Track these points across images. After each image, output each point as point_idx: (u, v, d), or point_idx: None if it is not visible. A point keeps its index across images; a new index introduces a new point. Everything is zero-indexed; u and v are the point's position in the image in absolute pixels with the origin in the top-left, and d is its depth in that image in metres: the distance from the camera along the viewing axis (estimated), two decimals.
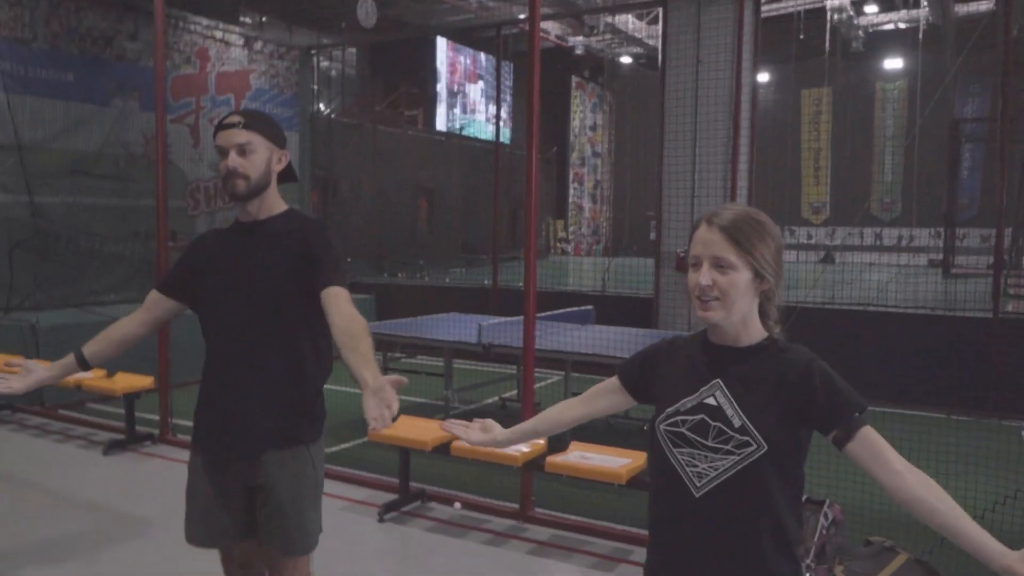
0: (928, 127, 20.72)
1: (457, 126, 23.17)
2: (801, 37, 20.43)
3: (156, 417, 6.46)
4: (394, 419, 1.96)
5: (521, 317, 5.10)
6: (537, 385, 7.22)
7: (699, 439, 1.71)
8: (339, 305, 2.29)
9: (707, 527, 1.72)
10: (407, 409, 7.16)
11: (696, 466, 1.71)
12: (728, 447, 1.68)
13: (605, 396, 1.98)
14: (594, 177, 28.73)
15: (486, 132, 22.78)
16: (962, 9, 19.00)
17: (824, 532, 3.85)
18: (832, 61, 22.23)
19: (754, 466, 1.67)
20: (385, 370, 7.23)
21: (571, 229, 27.60)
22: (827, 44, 21.19)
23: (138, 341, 2.64)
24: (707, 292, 1.70)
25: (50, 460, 5.99)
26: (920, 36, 21.16)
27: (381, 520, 4.75)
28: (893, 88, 23.63)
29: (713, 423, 1.70)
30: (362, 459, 5.80)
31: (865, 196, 24.37)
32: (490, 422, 2.08)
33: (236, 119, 2.43)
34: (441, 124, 22.57)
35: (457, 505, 4.95)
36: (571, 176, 27.59)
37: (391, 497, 4.96)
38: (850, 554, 3.84)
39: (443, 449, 4.71)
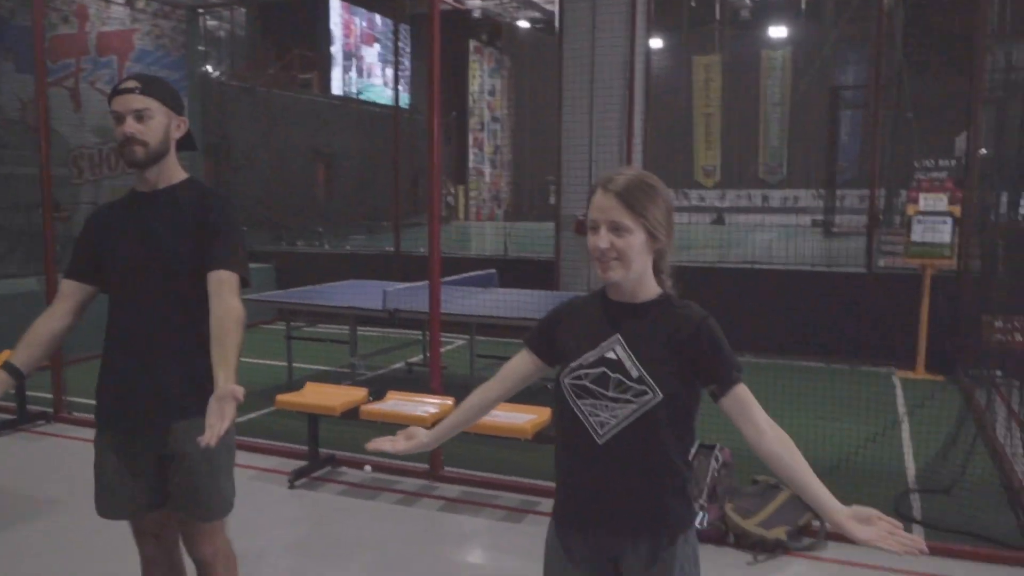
0: (810, 94, 21.68)
1: (354, 90, 22.76)
2: (693, 5, 20.97)
3: (49, 396, 6.24)
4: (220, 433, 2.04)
5: (425, 282, 5.18)
6: (443, 349, 7.32)
7: (600, 390, 1.85)
8: (221, 293, 2.31)
9: (610, 471, 1.87)
10: (314, 376, 7.14)
11: (598, 415, 1.85)
12: (627, 396, 1.82)
13: (517, 369, 2.08)
14: (494, 142, 28.77)
15: (383, 97, 22.48)
16: None
17: (715, 474, 4.12)
18: (721, 29, 22.90)
19: (651, 413, 1.82)
20: (288, 339, 7.18)
21: (472, 194, 27.63)
22: (717, 12, 21.80)
23: (67, 334, 2.53)
24: (606, 254, 1.82)
25: None
26: (803, 5, 22.01)
27: (291, 486, 4.78)
28: (777, 56, 24.48)
29: (613, 375, 1.84)
30: (271, 428, 5.79)
31: (753, 160, 25.33)
32: (413, 429, 2.15)
33: (132, 84, 2.39)
34: (337, 88, 22.12)
35: (367, 468, 5.02)
36: (471, 141, 27.55)
37: (301, 464, 4.98)
38: (739, 493, 4.13)
39: (351, 414, 4.77)
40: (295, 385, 6.00)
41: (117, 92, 2.39)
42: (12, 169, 8.65)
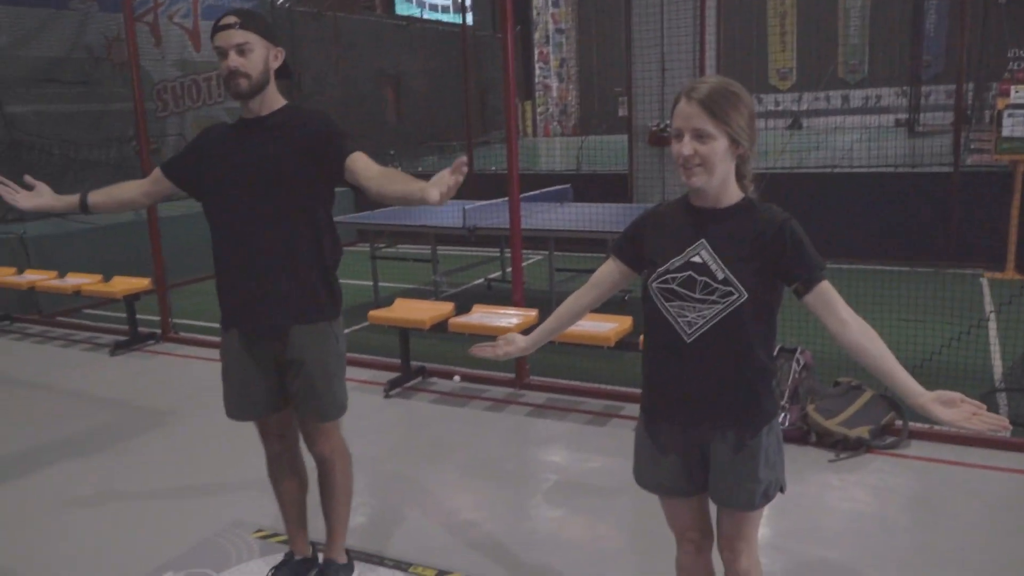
0: None
1: (416, 10, 22.53)
2: None
3: (156, 318, 6.67)
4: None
5: (503, 199, 5.29)
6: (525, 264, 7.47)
7: (688, 292, 1.95)
8: (367, 165, 2.49)
9: (699, 367, 1.99)
10: (402, 293, 7.39)
11: (686, 316, 1.96)
12: (714, 297, 1.92)
13: (607, 277, 2.19)
14: (559, 55, 28.23)
15: (447, 15, 22.20)
16: None
17: (796, 376, 4.21)
18: None
19: (737, 312, 1.92)
20: (372, 260, 7.44)
21: (539, 110, 27.33)
22: None
23: (135, 207, 2.96)
24: (690, 161, 1.89)
25: (58, 364, 6.21)
26: None
27: (387, 396, 5.07)
28: None
29: (700, 278, 1.93)
30: (364, 343, 6.09)
31: (831, 59, 24.28)
32: (511, 335, 2.31)
33: (232, 19, 2.52)
34: (401, 8, 21.94)
35: (456, 378, 5.27)
36: (536, 56, 27.09)
37: (394, 375, 5.26)
38: (821, 394, 4.22)
39: (440, 327, 4.99)
40: (382, 303, 6.25)
41: (218, 28, 2.53)
42: (105, 106, 8.99)
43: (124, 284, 6.44)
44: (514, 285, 5.21)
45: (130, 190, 2.86)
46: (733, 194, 1.97)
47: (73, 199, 2.80)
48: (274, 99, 2.64)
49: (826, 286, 1.93)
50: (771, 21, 24.80)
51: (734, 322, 1.92)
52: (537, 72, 27.29)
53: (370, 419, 4.78)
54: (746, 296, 1.91)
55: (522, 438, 4.48)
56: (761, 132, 11.39)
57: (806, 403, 4.15)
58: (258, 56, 2.53)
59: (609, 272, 2.18)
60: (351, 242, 10.04)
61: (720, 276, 1.91)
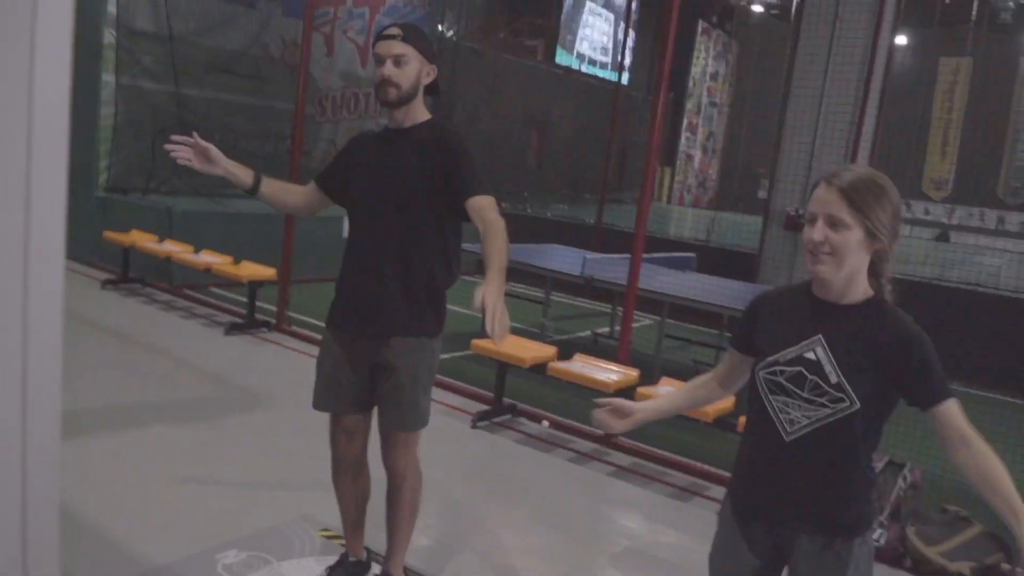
0: None
1: (575, 63, 22.97)
2: (946, 2, 19.34)
3: (273, 308, 6.94)
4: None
5: (625, 255, 5.26)
6: (636, 325, 7.39)
7: (795, 389, 1.82)
8: (483, 213, 2.53)
9: (793, 468, 1.86)
10: (509, 330, 7.39)
11: (789, 413, 1.84)
12: (822, 400, 1.79)
13: (732, 370, 2.06)
14: (708, 128, 28.11)
15: (604, 71, 22.53)
16: None
17: (901, 493, 3.95)
18: (976, 30, 21.00)
19: (845, 420, 1.78)
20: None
21: (677, 178, 27.22)
22: (973, 12, 20.01)
23: (295, 212, 3.08)
24: (819, 247, 1.77)
25: (177, 333, 6.54)
26: None
27: (474, 426, 5.06)
28: None
29: (810, 376, 1.80)
30: (463, 371, 6.13)
31: (993, 177, 23.18)
32: (629, 405, 2.11)
33: (396, 31, 2.63)
34: (561, 57, 22.43)
35: (545, 423, 5.22)
36: (684, 124, 27.07)
37: (485, 408, 5.26)
38: (924, 518, 3.94)
39: (540, 368, 4.97)
40: (486, 335, 6.28)
41: (381, 37, 2.64)
42: (270, 102, 9.55)
43: (251, 270, 6.74)
44: (621, 341, 5.14)
45: (296, 194, 2.95)
46: (861, 291, 1.83)
47: (247, 172, 2.83)
48: (419, 112, 2.71)
49: (948, 409, 1.79)
50: (934, 127, 23.96)
51: (840, 430, 1.80)
52: (683, 141, 27.26)
53: (453, 445, 4.78)
54: (858, 406, 1.77)
55: (600, 497, 4.38)
56: (906, 238, 10.94)
57: (907, 524, 3.88)
58: (412, 69, 2.62)
59: (732, 364, 2.06)
60: (470, 271, 10.19)
61: (833, 380, 1.78)
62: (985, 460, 1.76)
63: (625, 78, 16.38)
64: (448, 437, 4.88)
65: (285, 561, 3.20)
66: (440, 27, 14.28)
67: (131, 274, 7.73)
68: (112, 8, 8.19)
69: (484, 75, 15.72)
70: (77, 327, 6.33)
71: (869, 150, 8.17)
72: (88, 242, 8.38)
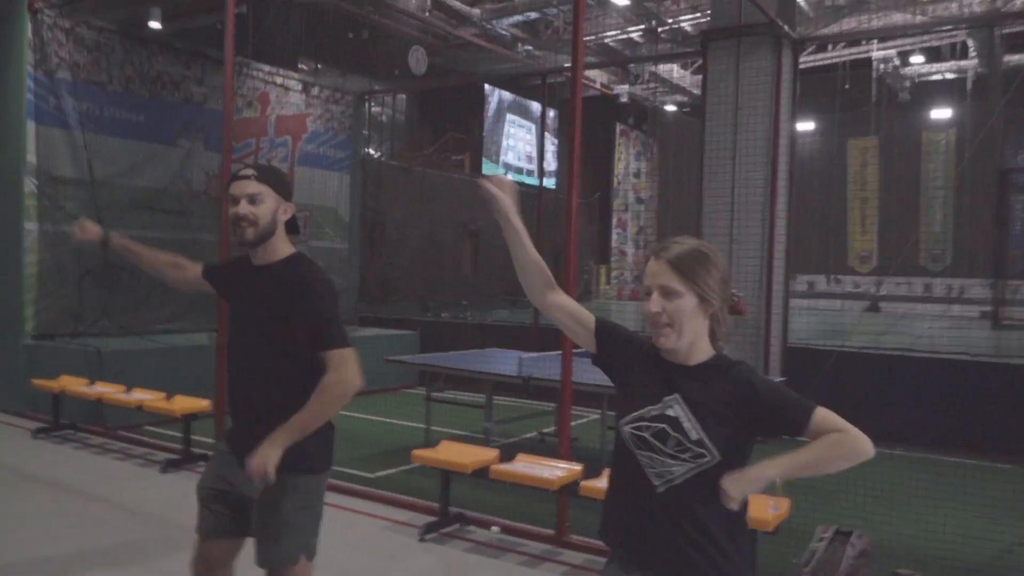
0: (978, 177, 20.65)
1: (502, 171, 23.64)
2: (847, 87, 20.60)
3: (211, 440, 6.77)
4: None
5: (559, 352, 5.32)
6: (576, 423, 7.38)
7: (659, 445, 1.91)
8: (338, 367, 2.58)
9: (667, 518, 1.92)
10: (453, 437, 7.37)
11: (655, 468, 1.92)
12: (684, 457, 1.89)
13: (578, 316, 2.12)
14: (638, 223, 28.93)
15: (531, 178, 23.20)
16: (1011, 59, 19.01)
17: (851, 562, 3.96)
18: (878, 111, 22.33)
19: (707, 472, 1.88)
20: (428, 400, 7.47)
21: (613, 274, 27.77)
22: (873, 94, 21.32)
23: (160, 277, 3.09)
24: (658, 319, 1.90)
25: (112, 476, 6.31)
26: (969, 86, 21.17)
27: (422, 540, 4.95)
28: (940, 139, 23.55)
29: (673, 433, 1.90)
30: (406, 484, 6.03)
31: (913, 246, 24.18)
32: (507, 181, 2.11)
33: (250, 171, 2.69)
34: (488, 168, 23.07)
35: (495, 529, 5.13)
36: (614, 221, 27.83)
37: (432, 519, 5.16)
38: None
39: (482, 472, 4.92)
40: (432, 445, 6.22)
41: (235, 177, 2.70)
42: (195, 235, 9.56)
43: (184, 403, 6.60)
44: (561, 437, 5.14)
45: (163, 261, 3.05)
46: (703, 352, 1.96)
47: (106, 235, 3.05)
48: (280, 249, 2.73)
49: (819, 417, 1.88)
50: (851, 204, 25.05)
51: (704, 480, 1.89)
52: (614, 237, 27.96)
53: (401, 562, 4.66)
54: (719, 459, 1.88)
55: None
56: (838, 313, 11.27)
57: None
58: (268, 208, 2.65)
59: (583, 320, 2.11)
60: (410, 384, 10.14)
61: (694, 436, 1.88)
62: (842, 436, 1.87)
63: (552, 182, 16.95)
64: (395, 553, 4.76)
65: None
66: (367, 148, 14.65)
67: (63, 420, 7.49)
68: (32, 158, 8.22)
69: (412, 191, 16.05)
70: (9, 480, 6.09)
71: (785, 229, 8.52)
72: (17, 391, 8.14)
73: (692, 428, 1.88)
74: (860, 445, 1.87)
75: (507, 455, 5.27)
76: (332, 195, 11.89)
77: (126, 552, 4.68)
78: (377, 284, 14.30)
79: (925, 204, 24.26)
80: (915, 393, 7.77)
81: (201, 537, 2.79)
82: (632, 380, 2.02)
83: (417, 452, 5.23)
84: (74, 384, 7.34)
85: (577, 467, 4.85)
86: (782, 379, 7.78)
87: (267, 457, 2.46)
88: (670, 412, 1.91)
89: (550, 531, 4.99)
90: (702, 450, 1.87)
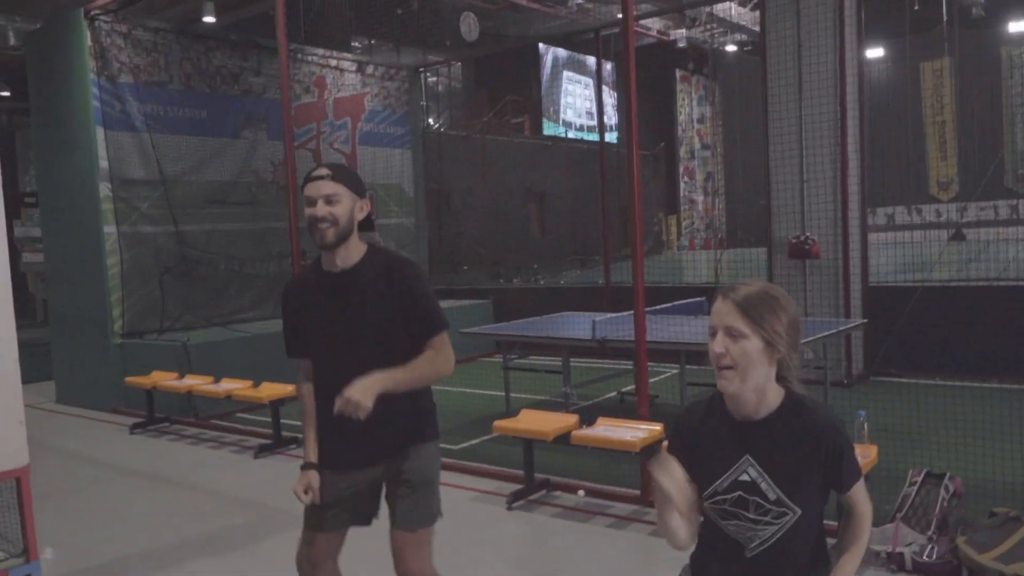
0: None
1: (562, 131, 23.42)
2: (916, 8, 19.62)
3: (299, 423, 6.97)
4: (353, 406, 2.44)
5: (630, 312, 5.28)
6: (655, 379, 7.34)
7: (742, 512, 1.89)
8: (428, 349, 2.66)
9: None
10: (530, 405, 7.36)
11: (744, 534, 1.91)
12: (768, 518, 1.87)
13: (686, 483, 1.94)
14: (704, 170, 28.36)
15: (592, 134, 22.94)
16: None
17: (945, 504, 3.86)
18: (951, 30, 21.22)
19: (793, 527, 1.87)
20: (505, 370, 7.53)
21: (684, 224, 27.34)
22: (944, 13, 20.27)
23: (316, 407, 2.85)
24: (721, 359, 1.84)
25: (208, 464, 6.58)
26: None
27: (509, 508, 5.02)
28: (1020, 52, 22.28)
29: (751, 497, 1.87)
30: (489, 454, 6.11)
31: (997, 167, 23.06)
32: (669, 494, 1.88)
33: (324, 171, 2.65)
34: (548, 128, 22.89)
35: (581, 493, 5.16)
36: (681, 171, 27.33)
37: (517, 487, 5.22)
38: (973, 525, 3.83)
39: (563, 439, 4.95)
40: (512, 414, 6.28)
41: (310, 179, 2.66)
42: (267, 224, 9.79)
43: (271, 390, 6.81)
44: (639, 398, 5.12)
45: (311, 404, 2.82)
46: (773, 401, 1.89)
47: (311, 473, 2.74)
48: (356, 248, 2.71)
49: (858, 490, 1.93)
50: (928, 131, 24.01)
51: (793, 535, 1.88)
52: (682, 187, 27.46)
53: (490, 530, 4.74)
54: (800, 512, 1.86)
55: (644, 559, 4.29)
56: (920, 244, 10.75)
57: (956, 535, 3.77)
58: (345, 207, 2.63)
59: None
60: (488, 353, 10.23)
61: (772, 496, 1.86)
62: (858, 529, 1.96)
63: (614, 137, 16.73)
64: (484, 522, 4.84)
65: None
66: (429, 120, 14.71)
67: (157, 414, 7.83)
68: (104, 163, 8.50)
69: (474, 159, 16.05)
70: (111, 476, 6.40)
71: (859, 165, 8.22)
72: (112, 390, 8.52)
73: (769, 488, 1.86)
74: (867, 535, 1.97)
75: (587, 418, 5.28)
76: (395, 172, 11.98)
77: (229, 538, 4.88)
78: (447, 255, 14.43)
79: (1007, 123, 23.08)
80: (1006, 323, 7.47)
81: (308, 531, 2.84)
82: (703, 453, 1.95)
83: (498, 423, 5.28)
84: (165, 379, 7.65)
85: (657, 427, 4.83)
86: (864, 321, 7.58)
87: (367, 390, 2.44)
88: (744, 477, 1.88)
89: (636, 491, 5.00)
90: (783, 508, 1.86)
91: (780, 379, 1.90)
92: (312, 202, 2.61)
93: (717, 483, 1.90)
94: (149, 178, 8.94)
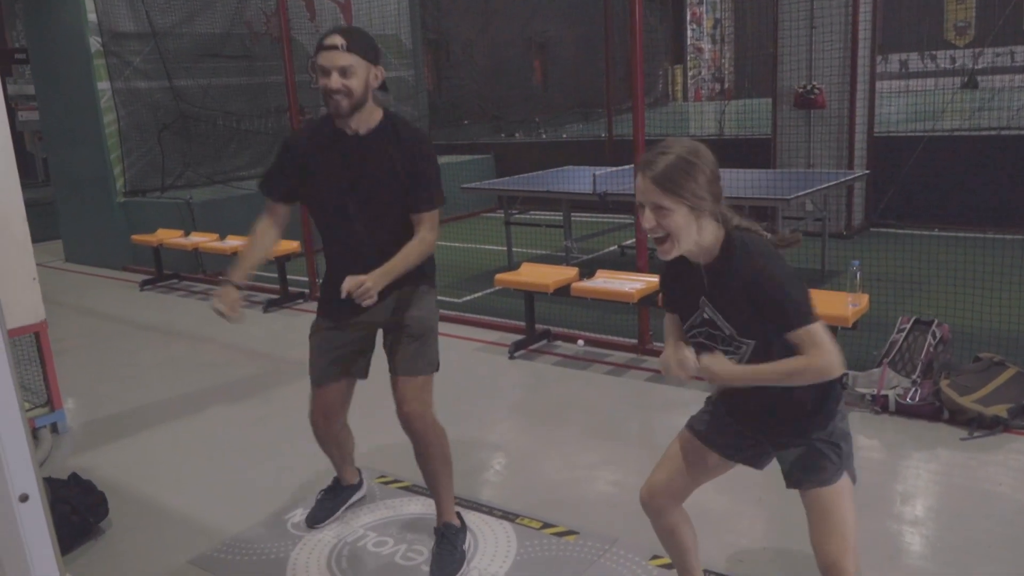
0: None
1: None
2: None
3: (305, 279, 7.12)
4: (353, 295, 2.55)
5: (631, 165, 5.28)
6: None
7: (713, 344, 2.02)
8: (420, 229, 2.73)
9: (750, 400, 2.08)
10: (532, 260, 7.47)
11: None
12: (731, 348, 1.99)
13: (679, 328, 2.17)
14: (713, 16, 27.32)
15: None
16: None
17: (931, 349, 4.00)
18: None
19: (757, 351, 1.96)
20: (507, 225, 7.59)
21: (691, 73, 26.62)
22: None
23: (278, 242, 2.98)
24: (655, 232, 1.92)
25: (218, 319, 6.70)
26: None
27: (511, 357, 5.21)
28: None
29: (715, 332, 2.00)
30: (493, 306, 6.27)
31: (1015, 8, 22.17)
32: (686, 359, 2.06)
33: (339, 40, 2.58)
34: None
35: (580, 342, 5.34)
36: (688, 16, 26.33)
37: (519, 337, 5.39)
38: (958, 370, 3.99)
39: (563, 291, 5.07)
40: (514, 268, 6.39)
41: (323, 47, 2.59)
42: (263, 78, 9.59)
43: (277, 246, 6.89)
44: (638, 251, 5.20)
45: (263, 242, 2.89)
46: (713, 247, 1.95)
47: (230, 289, 2.75)
48: (371, 116, 2.71)
49: (810, 332, 1.86)
50: None
51: (762, 356, 1.95)
52: (689, 34, 26.54)
53: (494, 378, 4.95)
54: (755, 342, 1.95)
55: (641, 402, 4.50)
56: (930, 92, 10.43)
57: (940, 378, 3.94)
58: (360, 78, 2.61)
59: (674, 325, 2.20)
60: (489, 208, 10.26)
61: (727, 332, 1.97)
62: (808, 364, 1.89)
63: None
64: (488, 371, 5.04)
65: (348, 509, 3.40)
66: None
67: (165, 271, 7.97)
68: (92, 16, 8.24)
69: (474, 5, 15.46)
70: (126, 331, 6.60)
71: (870, 11, 7.94)
72: (119, 248, 8.63)
73: (724, 325, 1.98)
74: (823, 373, 1.88)
75: (588, 271, 5.38)
76: (391, 21, 11.59)
77: (241, 388, 5.10)
78: (447, 109, 14.17)
79: None
80: (1011, 173, 7.44)
81: (313, 387, 3.02)
82: (680, 292, 2.09)
83: (500, 276, 5.39)
84: (170, 236, 7.73)
85: (655, 278, 4.93)
86: (866, 173, 7.56)
87: (374, 282, 2.55)
88: (706, 315, 2.01)
89: (633, 340, 5.17)
90: (739, 340, 1.97)
91: (716, 219, 1.94)
92: (327, 72, 2.58)
93: (691, 319, 2.06)
94: (140, 31, 8.69)
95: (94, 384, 5.34)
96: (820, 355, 1.85)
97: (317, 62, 2.60)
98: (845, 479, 2.04)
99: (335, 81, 2.57)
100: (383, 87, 2.74)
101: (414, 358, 2.86)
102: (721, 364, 1.94)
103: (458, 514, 3.10)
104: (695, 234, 1.92)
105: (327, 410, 3.07)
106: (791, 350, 1.90)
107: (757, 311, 1.91)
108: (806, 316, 1.86)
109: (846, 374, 4.05)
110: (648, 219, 1.92)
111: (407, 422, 2.87)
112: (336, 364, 2.97)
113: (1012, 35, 21.81)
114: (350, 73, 2.58)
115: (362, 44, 2.64)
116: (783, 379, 1.91)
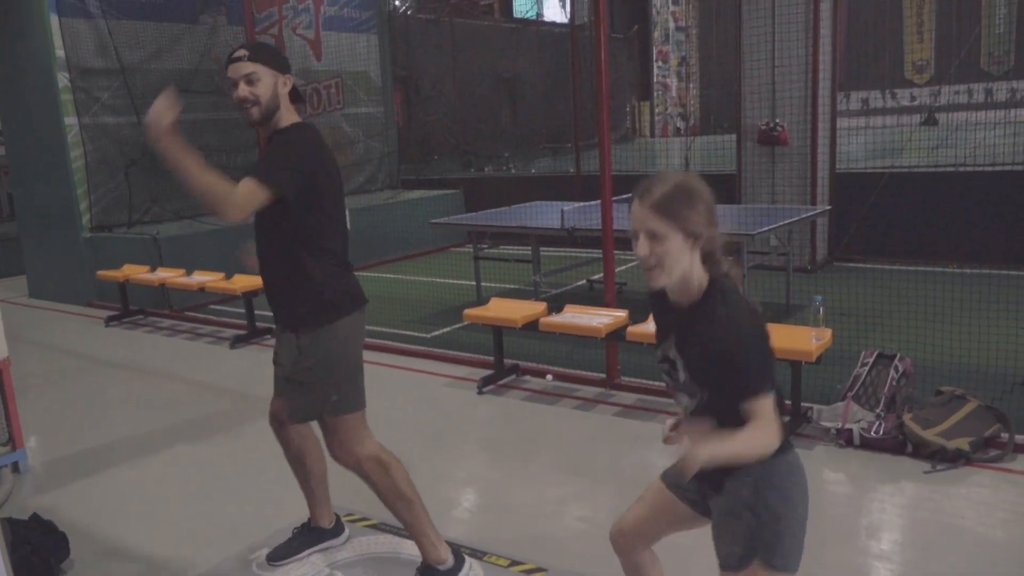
0: None
1: (532, 11, 22.76)
2: None
3: (271, 314, 7.06)
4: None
5: (597, 201, 5.33)
6: (622, 267, 7.49)
7: (672, 381, 2.01)
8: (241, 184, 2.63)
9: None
10: (501, 294, 7.50)
11: (677, 397, 2.04)
12: (684, 393, 1.98)
13: None
14: (679, 54, 27.82)
15: (562, 15, 22.31)
16: None
17: (894, 383, 4.07)
18: None
19: (704, 405, 1.93)
20: (476, 259, 7.62)
21: (657, 110, 27.02)
22: None
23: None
24: (647, 261, 1.88)
25: (185, 355, 6.69)
26: None
27: (480, 392, 5.20)
28: None
29: (674, 371, 1.98)
30: (461, 341, 6.27)
31: (973, 47, 22.84)
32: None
33: (242, 52, 2.72)
34: (520, 6, 22.24)
35: (549, 377, 5.35)
36: (655, 55, 26.80)
37: (488, 372, 5.39)
38: (920, 403, 4.05)
39: (532, 326, 5.09)
40: (483, 302, 6.41)
41: (230, 61, 2.73)
42: (231, 114, 9.57)
43: (243, 281, 6.86)
44: (606, 286, 5.24)
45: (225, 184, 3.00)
46: (695, 291, 1.92)
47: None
48: (287, 119, 2.79)
49: (762, 403, 1.80)
50: (907, 12, 23.60)
51: (708, 410, 1.92)
52: (656, 71, 26.99)
53: (462, 413, 4.93)
54: (707, 395, 1.91)
55: (611, 437, 4.51)
56: (891, 129, 10.71)
57: (903, 412, 4.00)
58: (266, 84, 2.70)
59: None
60: (458, 243, 10.29)
61: (683, 377, 1.94)
62: (744, 433, 1.81)
63: (577, 18, 16.24)
64: (456, 406, 5.03)
65: (314, 547, 3.35)
66: (395, 3, 14.21)
67: (131, 307, 7.87)
68: (60, 52, 8.21)
69: (443, 43, 15.62)
70: (90, 367, 6.50)
71: (831, 50, 8.15)
72: (84, 284, 8.52)
73: (682, 370, 1.94)
74: (767, 447, 1.81)
75: (556, 306, 5.41)
76: (361, 58, 11.67)
77: (206, 426, 5.03)
78: (417, 144, 14.23)
79: (987, 2, 22.71)
80: (970, 208, 7.62)
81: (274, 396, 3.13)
82: (657, 319, 2.11)
83: (469, 311, 5.40)
84: (137, 272, 7.66)
85: (622, 313, 4.97)
86: (828, 208, 7.70)
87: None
88: (670, 354, 1.98)
89: (601, 375, 5.19)
90: (693, 387, 1.94)
91: (707, 259, 1.92)
92: (235, 83, 2.70)
93: (659, 352, 2.04)
94: (108, 67, 8.66)
95: (57, 422, 5.24)
96: (767, 428, 1.79)
97: (227, 75, 2.73)
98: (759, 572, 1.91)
99: (243, 90, 2.68)
100: (297, 94, 2.82)
101: (300, 407, 2.92)
102: (706, 451, 1.75)
103: (455, 551, 3.05)
104: (687, 265, 1.88)
105: (275, 414, 3.15)
106: (736, 408, 1.86)
107: (717, 364, 1.85)
108: (762, 385, 1.81)
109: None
110: (642, 246, 1.87)
111: (339, 463, 2.96)
112: (277, 380, 3.07)
113: (969, 73, 22.48)
114: (255, 79, 2.68)
115: (265, 54, 2.77)
116: (745, 454, 1.81)
